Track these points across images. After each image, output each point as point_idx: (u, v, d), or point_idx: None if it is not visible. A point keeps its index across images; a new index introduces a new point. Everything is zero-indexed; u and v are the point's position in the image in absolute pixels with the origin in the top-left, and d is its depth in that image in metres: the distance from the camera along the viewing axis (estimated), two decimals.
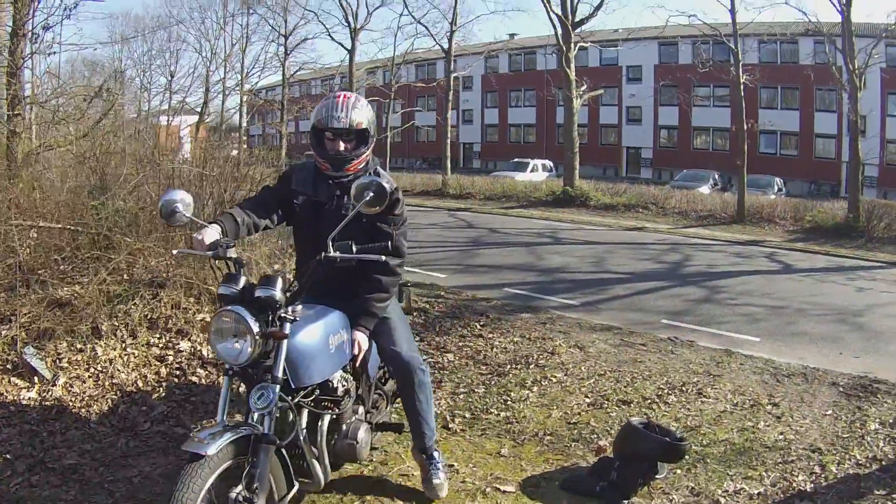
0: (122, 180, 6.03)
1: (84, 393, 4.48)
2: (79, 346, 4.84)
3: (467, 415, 4.53)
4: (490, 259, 11.95)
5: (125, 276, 5.57)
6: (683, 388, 5.09)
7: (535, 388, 4.97)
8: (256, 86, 38.23)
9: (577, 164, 23.31)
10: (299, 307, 2.78)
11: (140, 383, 4.72)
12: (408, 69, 43.52)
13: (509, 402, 4.69)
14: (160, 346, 5.12)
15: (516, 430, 4.28)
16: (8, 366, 4.51)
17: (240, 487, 2.48)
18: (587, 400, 4.82)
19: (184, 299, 5.55)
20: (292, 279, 2.87)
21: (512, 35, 47.26)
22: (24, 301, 4.92)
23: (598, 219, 19.24)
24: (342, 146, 3.07)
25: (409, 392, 3.35)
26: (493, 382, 5.10)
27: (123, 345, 5.00)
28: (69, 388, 4.48)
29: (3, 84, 6.40)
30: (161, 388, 4.68)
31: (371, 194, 2.77)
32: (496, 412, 4.55)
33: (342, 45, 31.70)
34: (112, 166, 6.42)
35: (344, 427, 3.11)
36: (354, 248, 2.79)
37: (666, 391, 5.02)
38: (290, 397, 2.76)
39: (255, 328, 2.56)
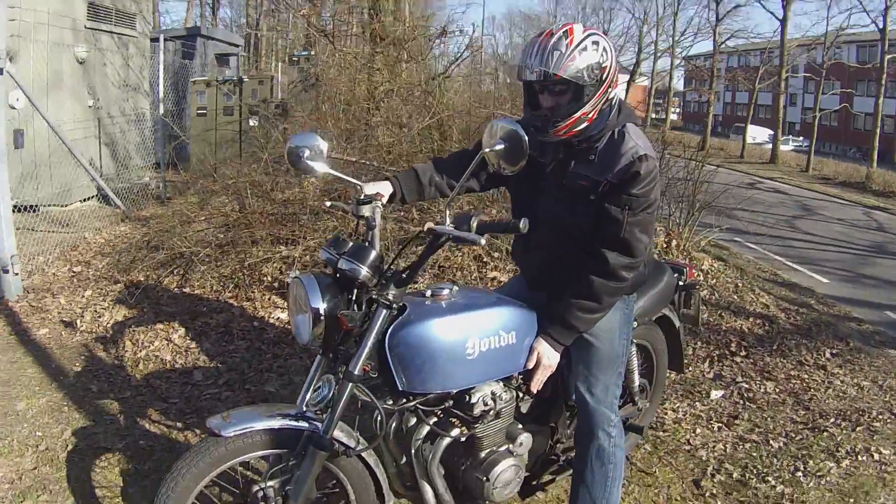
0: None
1: None
2: None
3: (735, 474, 3.26)
4: (887, 272, 9.44)
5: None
6: None
7: (844, 463, 3.39)
8: (688, 51, 36.81)
9: None
10: (446, 290, 2.26)
11: None
12: (849, 49, 37.40)
13: (798, 474, 3.25)
14: None
15: None
16: (276, 283, 4.63)
17: (272, 482, 2.09)
18: None
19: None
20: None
21: None
22: (311, 227, 5.02)
23: None
24: (548, 101, 2.20)
25: (582, 455, 2.48)
26: (798, 437, 3.64)
27: None
28: None
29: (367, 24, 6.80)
30: None
31: (502, 144, 1.94)
32: (772, 483, 3.17)
33: (774, 15, 28.37)
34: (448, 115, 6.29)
35: (482, 455, 2.35)
36: (475, 224, 1.97)
37: None
38: (403, 400, 2.19)
39: (319, 305, 2.01)
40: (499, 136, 1.97)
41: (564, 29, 2.13)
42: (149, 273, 5.07)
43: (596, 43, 2.12)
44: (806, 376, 4.51)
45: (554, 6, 43.10)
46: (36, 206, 7.57)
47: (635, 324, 2.66)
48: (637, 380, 3.01)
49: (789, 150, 35.60)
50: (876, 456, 3.48)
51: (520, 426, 2.45)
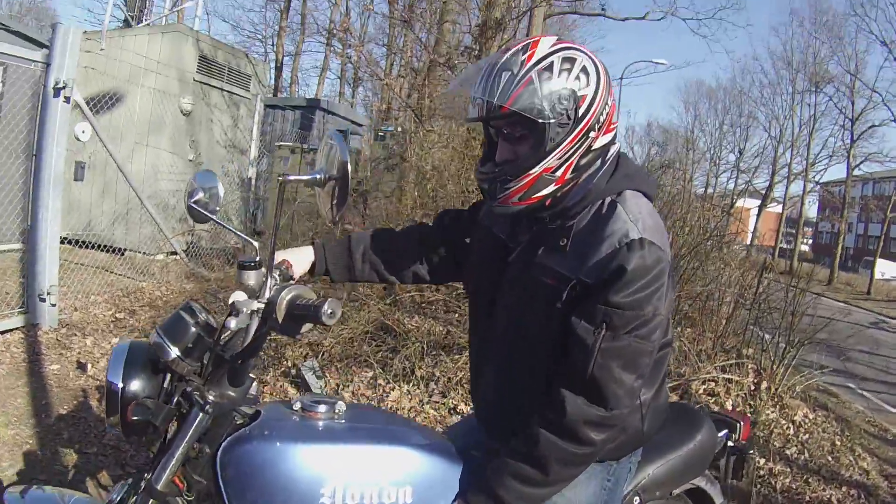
0: None
1: None
2: (382, 381, 4.28)
3: None
4: None
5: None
6: None
7: None
8: (822, 175, 35.39)
9: None
10: (323, 407, 1.57)
11: None
12: None
13: None
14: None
15: None
16: (293, 370, 4.25)
17: None
18: None
19: None
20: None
21: None
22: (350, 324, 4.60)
23: None
24: (503, 151, 1.52)
25: None
26: None
27: (428, 399, 4.23)
28: None
29: None
30: None
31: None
32: None
33: None
34: None
35: None
36: (285, 302, 1.43)
37: None
38: None
39: (116, 381, 1.48)
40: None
41: (527, 42, 1.48)
42: None
43: (569, 61, 1.45)
44: None
45: (692, 119, 42.70)
46: (123, 249, 7.69)
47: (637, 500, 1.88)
48: None
49: None
50: None
51: None
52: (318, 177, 1.55)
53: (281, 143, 9.82)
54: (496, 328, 1.64)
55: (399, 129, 8.27)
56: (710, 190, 34.87)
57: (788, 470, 4.52)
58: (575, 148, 1.47)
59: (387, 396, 4.14)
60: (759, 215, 34.85)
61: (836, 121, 32.30)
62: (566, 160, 1.47)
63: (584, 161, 1.50)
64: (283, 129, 12.45)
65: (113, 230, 7.75)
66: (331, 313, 1.35)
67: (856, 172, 31.74)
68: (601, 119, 1.49)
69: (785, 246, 40.72)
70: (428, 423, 3.98)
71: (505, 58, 1.44)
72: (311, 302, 1.38)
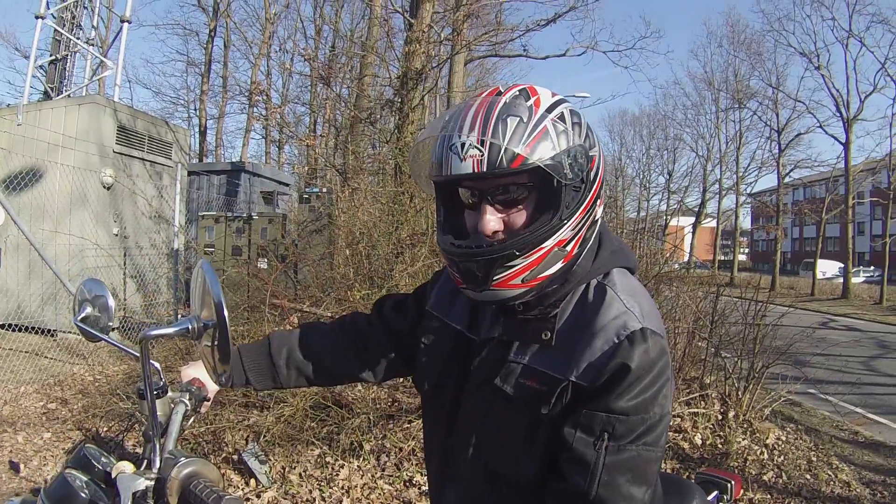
0: None
1: None
2: (330, 459, 4.05)
3: None
4: None
5: None
6: None
7: None
8: (753, 186, 36.40)
9: None
10: None
11: None
12: None
13: None
14: (423, 488, 3.85)
15: None
16: (235, 456, 4.01)
17: None
18: None
19: None
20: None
21: None
22: (292, 392, 4.32)
23: None
24: (491, 220, 1.19)
25: None
26: None
27: (380, 474, 4.02)
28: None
29: None
30: None
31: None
32: None
33: (836, 139, 27.45)
34: None
35: None
36: (177, 482, 1.15)
37: None
38: None
39: None
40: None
41: (521, 87, 1.20)
42: (112, 423, 4.54)
43: (576, 115, 1.20)
44: None
45: (619, 148, 44.07)
46: (54, 330, 7.39)
47: None
48: None
49: (860, 282, 33.80)
50: None
51: None
52: (189, 326, 1.22)
53: (204, 213, 9.56)
54: (461, 446, 1.34)
55: (324, 189, 8.10)
56: (641, 213, 35.82)
57: (769, 497, 4.44)
58: (586, 218, 1.22)
59: (336, 475, 3.92)
60: (694, 232, 35.72)
61: (762, 133, 33.28)
62: (577, 232, 1.21)
63: (589, 234, 1.26)
64: (210, 195, 12.20)
65: (43, 312, 7.42)
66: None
67: (787, 180, 32.63)
68: (602, 187, 1.26)
69: (723, 258, 41.75)
70: (383, 500, 3.79)
71: (504, 101, 1.14)
72: (209, 493, 1.10)
